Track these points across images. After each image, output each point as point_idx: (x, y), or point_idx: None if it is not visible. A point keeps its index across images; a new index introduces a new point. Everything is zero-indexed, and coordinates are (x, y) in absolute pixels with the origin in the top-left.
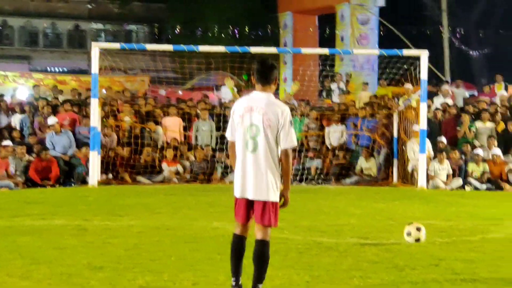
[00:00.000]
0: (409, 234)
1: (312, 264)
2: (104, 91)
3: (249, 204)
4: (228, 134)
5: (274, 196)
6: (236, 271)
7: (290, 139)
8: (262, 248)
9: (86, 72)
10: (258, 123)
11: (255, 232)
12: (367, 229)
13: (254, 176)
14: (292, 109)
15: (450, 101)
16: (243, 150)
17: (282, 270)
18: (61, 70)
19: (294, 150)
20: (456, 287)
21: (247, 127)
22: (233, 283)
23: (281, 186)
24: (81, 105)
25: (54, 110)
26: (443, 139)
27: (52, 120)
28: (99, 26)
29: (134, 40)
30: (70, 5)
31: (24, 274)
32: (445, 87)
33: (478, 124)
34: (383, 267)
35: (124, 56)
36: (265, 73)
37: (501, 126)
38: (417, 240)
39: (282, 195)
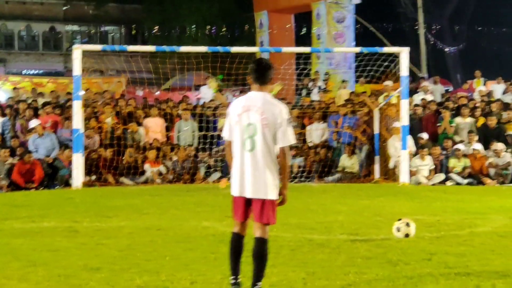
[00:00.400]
0: (398, 229)
1: (306, 261)
2: (82, 92)
3: (247, 202)
4: (225, 134)
5: (272, 194)
6: (235, 269)
7: (287, 138)
8: (261, 246)
9: (62, 74)
10: (256, 122)
11: (254, 230)
12: (356, 225)
13: (252, 174)
14: None
15: (429, 97)
16: (241, 149)
17: (277, 268)
18: (36, 72)
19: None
20: (451, 281)
21: (245, 127)
22: (232, 281)
23: (280, 184)
24: (62, 107)
25: (35, 113)
26: (424, 135)
27: (34, 122)
28: (75, 28)
29: (110, 41)
30: (45, 7)
31: (22, 276)
32: (425, 83)
33: (458, 119)
34: (377, 263)
35: (100, 58)
36: (262, 73)
37: (481, 121)
38: (407, 235)
39: (280, 193)
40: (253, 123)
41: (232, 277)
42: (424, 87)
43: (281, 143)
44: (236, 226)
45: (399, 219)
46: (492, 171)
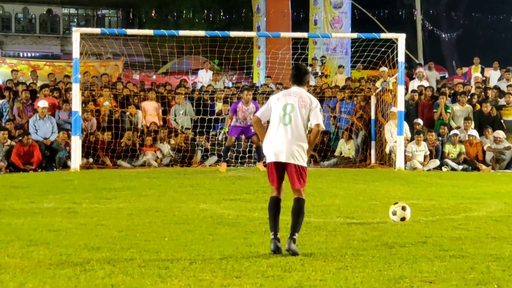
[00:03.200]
0: (394, 213)
1: (304, 243)
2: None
3: (281, 168)
4: (258, 113)
5: (303, 161)
6: (275, 226)
7: (319, 118)
8: (299, 204)
9: (59, 57)
10: (294, 103)
11: (293, 193)
12: (352, 209)
13: (288, 144)
14: (270, 93)
15: (425, 83)
16: (278, 123)
17: None
18: (33, 55)
19: None
20: (445, 263)
21: (284, 105)
22: (272, 236)
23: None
24: (60, 90)
25: (33, 95)
26: (420, 121)
27: (42, 103)
28: (72, 11)
29: (106, 25)
30: None
31: (24, 255)
32: (420, 69)
33: (455, 106)
34: (373, 245)
35: (97, 41)
36: (300, 76)
37: (476, 107)
38: (402, 219)
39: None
40: (292, 103)
41: (272, 232)
42: (419, 73)
43: (315, 121)
44: (273, 191)
45: (395, 203)
46: (489, 155)
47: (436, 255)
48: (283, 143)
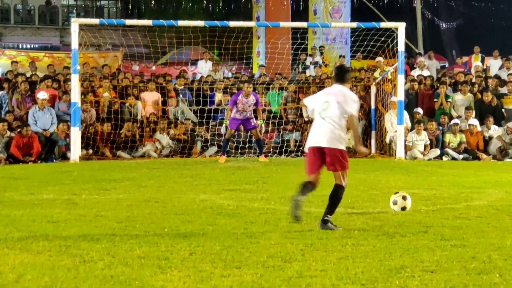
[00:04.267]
0: (395, 203)
1: (304, 233)
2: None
3: (321, 155)
4: (309, 104)
5: (342, 146)
6: (302, 191)
7: (353, 108)
8: (336, 190)
9: (58, 48)
10: (331, 100)
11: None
12: (352, 199)
13: (326, 132)
14: (269, 83)
15: (426, 73)
16: (318, 117)
17: (275, 240)
18: (32, 46)
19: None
20: (447, 252)
21: (324, 100)
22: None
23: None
24: (59, 81)
25: (33, 87)
26: (420, 110)
27: (42, 94)
28: (71, 2)
29: (106, 15)
30: None
31: (24, 246)
32: (421, 59)
33: (456, 95)
34: (373, 235)
35: (97, 32)
36: (341, 75)
37: (477, 96)
38: (403, 208)
39: (357, 150)
40: (328, 100)
41: (296, 194)
42: (420, 62)
43: (351, 112)
44: (309, 178)
45: (396, 192)
46: (495, 145)
47: (437, 245)
48: (321, 133)
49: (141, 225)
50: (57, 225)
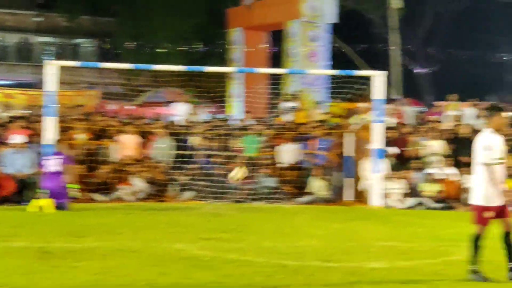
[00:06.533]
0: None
1: None
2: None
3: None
4: None
5: (473, 200)
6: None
7: (480, 155)
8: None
9: (33, 85)
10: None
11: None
12: (329, 251)
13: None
14: (246, 128)
15: (394, 121)
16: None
17: None
18: (7, 83)
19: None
20: None
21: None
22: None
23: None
24: (33, 122)
25: (4, 127)
26: (390, 149)
27: (18, 138)
28: (47, 39)
29: (82, 54)
30: (17, 17)
31: None
32: (390, 106)
33: (431, 143)
34: None
35: (72, 70)
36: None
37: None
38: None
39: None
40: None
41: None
42: (387, 110)
43: (480, 161)
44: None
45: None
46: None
47: None
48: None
49: (117, 277)
50: (30, 277)
